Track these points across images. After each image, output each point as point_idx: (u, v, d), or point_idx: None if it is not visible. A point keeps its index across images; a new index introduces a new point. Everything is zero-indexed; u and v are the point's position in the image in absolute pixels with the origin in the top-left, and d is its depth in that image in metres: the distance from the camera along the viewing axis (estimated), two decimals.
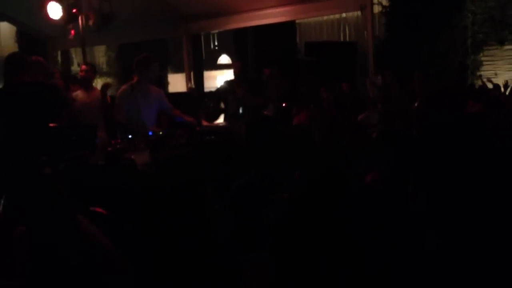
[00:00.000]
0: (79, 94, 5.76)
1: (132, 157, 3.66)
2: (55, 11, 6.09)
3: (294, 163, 2.30)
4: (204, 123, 5.81)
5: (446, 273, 1.89)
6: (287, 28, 10.50)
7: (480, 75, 8.90)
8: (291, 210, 1.94)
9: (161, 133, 4.55)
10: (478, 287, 1.87)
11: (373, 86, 4.90)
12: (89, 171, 3.52)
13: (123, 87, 4.91)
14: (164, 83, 12.73)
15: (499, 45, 9.50)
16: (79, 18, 6.25)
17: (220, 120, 6.54)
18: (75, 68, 11.35)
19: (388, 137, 2.86)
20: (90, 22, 6.26)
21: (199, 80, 11.11)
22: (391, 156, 2.41)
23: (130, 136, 4.20)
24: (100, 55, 12.64)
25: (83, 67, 5.88)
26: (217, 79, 12.42)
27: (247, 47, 11.67)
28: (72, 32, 6.43)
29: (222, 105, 6.45)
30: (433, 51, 8.61)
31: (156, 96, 4.89)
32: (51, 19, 6.12)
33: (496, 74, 9.03)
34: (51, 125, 3.91)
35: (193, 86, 7.45)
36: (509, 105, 4.53)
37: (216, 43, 13.59)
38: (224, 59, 13.03)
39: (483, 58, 9.49)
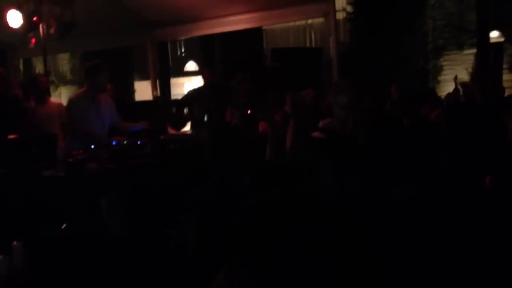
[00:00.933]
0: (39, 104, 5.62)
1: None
2: (15, 19, 5.94)
3: (250, 169, 2.31)
4: (171, 131, 5.78)
5: None
6: (254, 34, 10.56)
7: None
8: (251, 217, 1.93)
9: (125, 142, 4.50)
10: None
11: (337, 106, 4.96)
12: (49, 182, 3.46)
13: (74, 96, 4.82)
14: (131, 91, 12.62)
15: (458, 50, 9.80)
16: (40, 26, 6.12)
17: (187, 127, 6.52)
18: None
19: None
20: (52, 30, 6.13)
21: (166, 87, 11.05)
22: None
23: (92, 146, 4.13)
24: (64, 63, 12.45)
25: (40, 78, 5.75)
26: (185, 86, 12.39)
27: (214, 54, 11.68)
28: (33, 40, 6.28)
29: (186, 113, 6.43)
30: (396, 56, 8.81)
31: (106, 106, 4.79)
32: (11, 27, 5.97)
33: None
34: (10, 136, 3.84)
35: (159, 94, 7.39)
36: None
37: (183, 50, 13.55)
38: (191, 65, 13.02)
39: (443, 63, 9.77)
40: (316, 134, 3.34)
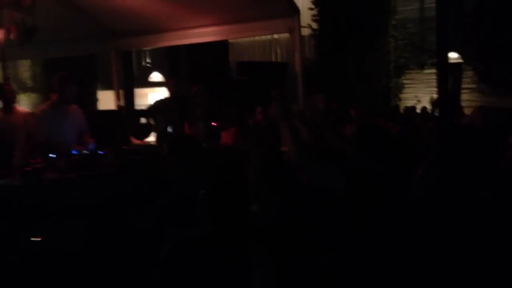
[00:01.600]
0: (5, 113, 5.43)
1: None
2: None
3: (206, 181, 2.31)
4: (134, 141, 5.70)
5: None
6: (220, 47, 10.60)
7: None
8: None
9: (85, 152, 4.40)
10: None
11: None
12: (4, 191, 3.35)
13: (42, 107, 4.74)
14: (93, 100, 12.40)
15: (419, 69, 10.11)
16: (0, 31, 5.95)
17: (151, 138, 6.44)
18: None
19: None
20: (12, 36, 5.96)
21: (130, 97, 10.91)
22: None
23: (51, 155, 4.02)
24: (24, 69, 12.13)
25: (7, 87, 5.54)
26: (148, 96, 12.27)
27: (180, 65, 11.64)
28: None
29: (152, 123, 6.37)
30: (359, 73, 9.01)
31: (75, 116, 4.76)
32: None
33: (416, 96, 9.55)
34: None
35: (122, 104, 7.28)
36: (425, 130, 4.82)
37: (148, 60, 13.43)
38: (156, 76, 12.91)
39: (404, 81, 10.04)
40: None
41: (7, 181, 3.47)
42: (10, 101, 5.32)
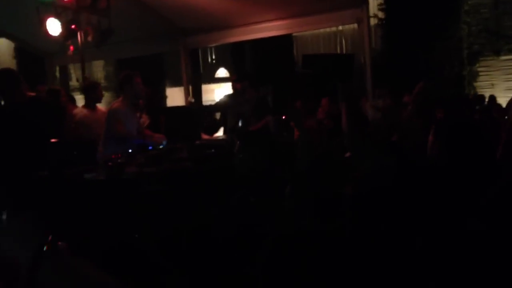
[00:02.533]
0: (83, 110, 5.75)
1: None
2: (54, 28, 6.11)
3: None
4: (204, 136, 5.82)
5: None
6: (284, 41, 10.59)
7: None
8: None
9: (161, 147, 4.56)
10: None
11: (374, 108, 4.94)
12: (90, 186, 3.53)
13: (117, 104, 4.90)
14: (162, 97, 12.79)
15: (495, 55, 9.59)
16: (78, 34, 6.27)
17: (220, 133, 6.55)
18: (73, 83, 11.38)
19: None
20: (89, 38, 6.28)
21: (197, 94, 11.16)
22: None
23: (130, 151, 4.19)
24: (98, 70, 12.70)
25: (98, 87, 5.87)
26: (215, 92, 12.48)
27: (245, 60, 11.75)
28: (71, 48, 6.45)
29: (218, 118, 6.45)
30: (430, 62, 8.68)
31: (135, 114, 4.99)
32: (50, 35, 6.14)
33: (492, 85, 9.09)
34: (52, 140, 3.93)
35: (193, 100, 7.46)
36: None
37: (213, 57, 13.66)
38: (221, 72, 13.10)
39: (479, 69, 9.56)
40: None
41: (92, 176, 3.65)
42: (96, 100, 5.64)
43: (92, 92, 5.54)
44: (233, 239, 3.10)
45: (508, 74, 9.27)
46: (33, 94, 4.47)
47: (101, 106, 6.22)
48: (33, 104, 4.23)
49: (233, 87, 6.78)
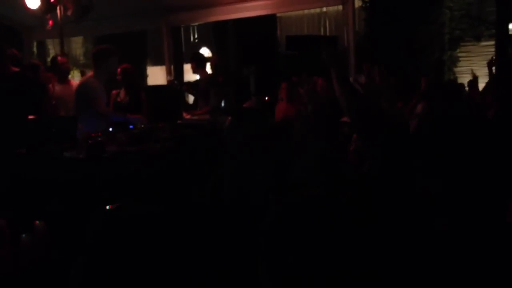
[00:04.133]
0: (56, 86, 5.66)
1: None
2: (32, 1, 5.95)
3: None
4: (186, 116, 5.78)
5: (455, 259, 1.94)
6: (268, 21, 10.48)
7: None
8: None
9: (142, 126, 4.51)
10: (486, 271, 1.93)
11: (356, 84, 4.92)
12: (70, 163, 3.48)
13: (90, 79, 4.80)
14: (143, 76, 12.61)
15: (475, 41, 9.66)
16: (57, 8, 6.12)
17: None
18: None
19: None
20: (69, 13, 6.14)
21: (179, 73, 11.01)
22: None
23: (110, 129, 4.14)
24: (77, 46, 12.43)
25: (60, 59, 5.79)
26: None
27: (227, 40, 11.62)
28: (50, 22, 6.29)
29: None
30: (412, 46, 8.70)
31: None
32: (29, 8, 5.98)
33: (472, 70, 9.17)
34: (29, 117, 3.85)
35: (172, 78, 7.38)
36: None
37: (196, 36, 13.48)
38: (204, 52, 12.94)
39: (459, 54, 9.64)
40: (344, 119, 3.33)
41: (72, 154, 3.61)
42: (65, 72, 5.57)
43: (54, 67, 5.51)
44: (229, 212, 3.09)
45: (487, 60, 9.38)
46: (17, 69, 4.39)
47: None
48: (18, 79, 4.16)
49: (210, 63, 6.77)
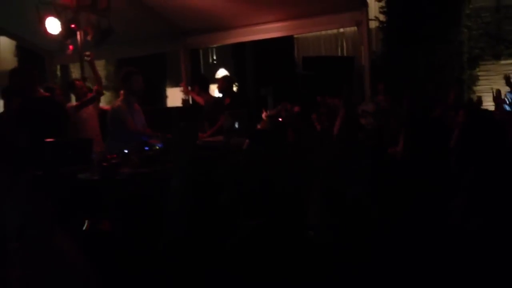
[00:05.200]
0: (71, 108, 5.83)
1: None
2: (53, 26, 6.13)
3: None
4: (201, 136, 5.85)
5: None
6: (285, 42, 10.58)
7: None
8: None
9: (157, 147, 4.57)
10: None
11: (365, 113, 4.94)
12: (84, 185, 3.54)
13: (117, 103, 5.02)
14: (163, 97, 12.81)
15: (495, 60, 9.57)
16: (78, 33, 6.30)
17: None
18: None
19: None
20: (89, 37, 6.30)
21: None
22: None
23: (125, 151, 4.21)
24: (99, 69, 12.67)
25: (78, 83, 6.01)
26: (215, 92, 12.48)
27: (246, 61, 11.75)
28: (71, 47, 6.47)
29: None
30: (430, 66, 8.66)
31: (139, 110, 5.07)
32: (50, 34, 6.16)
33: (492, 89, 9.05)
34: (47, 140, 3.94)
35: (187, 98, 7.47)
36: None
37: (214, 57, 13.68)
38: (222, 72, 13.10)
39: (479, 73, 9.55)
40: None
41: (87, 176, 3.67)
42: (83, 96, 5.73)
43: (73, 90, 5.71)
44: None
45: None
46: (47, 94, 4.58)
47: (102, 104, 6.34)
48: (49, 102, 4.33)
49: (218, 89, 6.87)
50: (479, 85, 9.42)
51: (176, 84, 12.06)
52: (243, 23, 7.60)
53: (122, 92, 5.11)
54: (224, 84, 6.77)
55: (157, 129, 5.09)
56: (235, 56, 12.10)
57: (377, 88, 6.41)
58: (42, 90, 4.69)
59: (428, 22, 8.89)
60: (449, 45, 9.06)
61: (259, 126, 5.18)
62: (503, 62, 9.46)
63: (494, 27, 9.59)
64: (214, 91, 12.85)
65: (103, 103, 6.78)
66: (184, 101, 7.39)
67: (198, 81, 7.12)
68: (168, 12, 7.48)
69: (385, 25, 9.54)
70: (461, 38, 9.36)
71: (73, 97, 6.71)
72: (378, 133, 3.73)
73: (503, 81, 9.24)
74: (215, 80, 13.29)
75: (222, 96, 6.74)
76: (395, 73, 8.48)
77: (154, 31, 7.86)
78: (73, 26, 6.17)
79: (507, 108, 4.99)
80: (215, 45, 11.61)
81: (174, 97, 11.93)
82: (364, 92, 6.65)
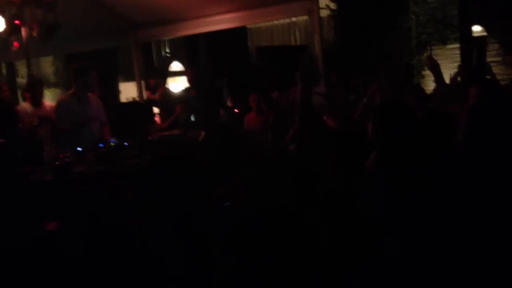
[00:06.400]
0: (27, 108, 5.61)
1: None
2: None
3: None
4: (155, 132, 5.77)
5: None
6: (238, 33, 10.55)
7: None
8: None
9: (112, 144, 4.47)
10: None
11: (316, 95, 5.01)
12: (36, 186, 3.44)
13: (62, 97, 4.84)
14: (116, 92, 12.55)
15: (442, 44, 9.87)
16: (22, 29, 6.06)
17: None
18: (20, 80, 11.00)
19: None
20: (34, 33, 6.07)
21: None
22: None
23: (79, 149, 4.11)
24: (47, 65, 12.29)
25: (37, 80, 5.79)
26: (170, 85, 12.33)
27: (199, 53, 11.66)
28: (15, 44, 6.22)
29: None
30: (380, 52, 8.85)
31: (96, 105, 4.85)
32: None
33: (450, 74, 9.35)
34: None
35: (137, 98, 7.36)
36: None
37: (167, 50, 13.49)
38: (176, 66, 12.93)
39: None
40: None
41: (39, 176, 3.56)
42: (39, 95, 5.53)
43: (38, 88, 5.48)
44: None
45: (455, 62, 9.54)
46: None
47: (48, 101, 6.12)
48: None
49: (187, 77, 6.81)
50: (428, 70, 9.70)
51: (128, 79, 11.84)
52: (195, 15, 7.51)
53: (73, 86, 4.84)
54: (193, 77, 6.71)
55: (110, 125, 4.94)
56: (188, 48, 11.99)
57: (330, 79, 6.50)
58: None
59: (377, 10, 9.08)
60: (398, 31, 9.29)
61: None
62: (449, 46, 9.77)
63: (440, 12, 9.89)
64: (169, 84, 12.72)
65: (53, 101, 6.55)
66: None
67: (155, 76, 6.99)
68: (116, 5, 7.31)
69: (336, 13, 9.68)
70: (409, 24, 9.61)
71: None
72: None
73: (451, 65, 9.58)
74: (168, 73, 13.16)
75: (189, 88, 6.66)
76: (347, 61, 8.63)
77: (103, 25, 7.67)
78: (17, 22, 5.93)
79: None
80: (166, 38, 11.45)
81: (127, 91, 11.71)
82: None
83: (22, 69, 11.33)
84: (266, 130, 5.16)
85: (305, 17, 9.58)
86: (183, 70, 11.70)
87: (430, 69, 5.09)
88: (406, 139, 2.36)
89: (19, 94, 9.46)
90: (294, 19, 10.65)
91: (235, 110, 5.55)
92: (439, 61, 9.54)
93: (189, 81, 6.71)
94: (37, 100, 5.52)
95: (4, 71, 10.59)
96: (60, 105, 4.71)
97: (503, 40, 9.51)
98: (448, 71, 9.05)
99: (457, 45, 9.45)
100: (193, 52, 11.73)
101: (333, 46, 9.44)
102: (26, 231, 3.02)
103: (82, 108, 4.69)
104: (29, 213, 3.22)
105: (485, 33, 9.59)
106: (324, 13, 9.21)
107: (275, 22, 10.79)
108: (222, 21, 7.50)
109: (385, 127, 2.39)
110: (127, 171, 3.87)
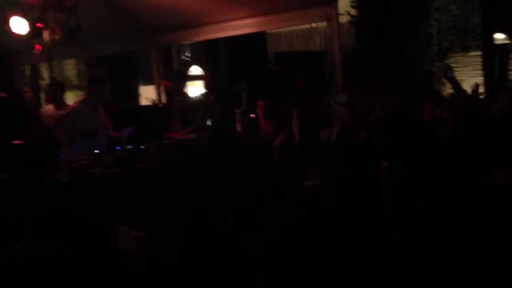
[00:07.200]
0: (50, 109, 5.71)
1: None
2: (19, 26, 5.98)
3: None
4: (173, 135, 5.82)
5: None
6: (258, 38, 10.58)
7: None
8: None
9: (128, 147, 4.52)
10: None
11: (338, 104, 4.98)
12: (52, 187, 3.49)
13: (75, 105, 4.80)
14: (136, 95, 12.69)
15: (463, 52, 9.76)
16: (45, 32, 6.17)
17: None
18: (44, 82, 11.21)
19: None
20: (56, 36, 6.18)
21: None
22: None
23: (96, 151, 4.16)
24: (70, 68, 12.51)
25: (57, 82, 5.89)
26: (188, 89, 12.42)
27: (219, 58, 11.71)
28: (37, 46, 6.33)
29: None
30: (400, 59, 8.78)
31: (104, 114, 4.80)
32: (16, 34, 6.02)
33: (461, 81, 9.23)
34: (14, 142, 3.88)
35: (155, 99, 7.39)
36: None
37: (187, 54, 13.59)
38: (195, 70, 13.03)
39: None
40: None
41: (56, 178, 3.62)
42: (60, 97, 5.62)
43: (58, 91, 5.55)
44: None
45: (476, 70, 9.44)
46: (3, 94, 4.45)
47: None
48: (2, 104, 4.21)
49: (204, 82, 6.82)
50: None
51: (149, 82, 11.96)
52: (215, 20, 7.57)
53: (86, 93, 4.78)
54: (211, 81, 6.72)
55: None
56: (208, 52, 12.05)
57: (351, 89, 6.45)
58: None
59: (398, 16, 9.01)
60: (419, 38, 9.21)
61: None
62: (471, 54, 9.66)
63: (462, 19, 9.78)
64: (188, 88, 12.80)
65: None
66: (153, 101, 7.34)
67: (175, 78, 7.00)
68: (137, 9, 7.41)
69: (356, 19, 9.64)
70: (431, 31, 9.52)
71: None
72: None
73: (472, 73, 9.46)
74: (188, 77, 13.25)
75: (207, 93, 6.68)
76: (367, 67, 8.58)
77: (124, 29, 7.77)
78: (39, 25, 6.05)
79: None
80: (185, 42, 11.54)
81: (147, 94, 11.83)
82: (336, 86, 6.70)
83: (45, 71, 11.55)
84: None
85: (325, 23, 9.56)
86: (202, 75, 11.78)
87: (445, 78, 5.04)
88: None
89: (41, 96, 9.66)
90: (314, 25, 10.63)
91: (251, 115, 5.55)
92: (460, 69, 9.48)
93: (207, 85, 6.72)
94: (59, 103, 5.60)
95: (28, 73, 10.78)
96: (72, 113, 4.66)
97: None
98: (469, 78, 8.97)
99: (479, 53, 9.34)
100: (213, 56, 11.78)
101: (353, 52, 9.39)
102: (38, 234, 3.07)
103: (95, 117, 4.64)
104: (43, 214, 3.28)
105: (508, 41, 9.44)
106: (344, 19, 9.18)
107: (295, 27, 10.79)
108: (242, 26, 7.55)
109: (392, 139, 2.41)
110: (142, 173, 3.91)
